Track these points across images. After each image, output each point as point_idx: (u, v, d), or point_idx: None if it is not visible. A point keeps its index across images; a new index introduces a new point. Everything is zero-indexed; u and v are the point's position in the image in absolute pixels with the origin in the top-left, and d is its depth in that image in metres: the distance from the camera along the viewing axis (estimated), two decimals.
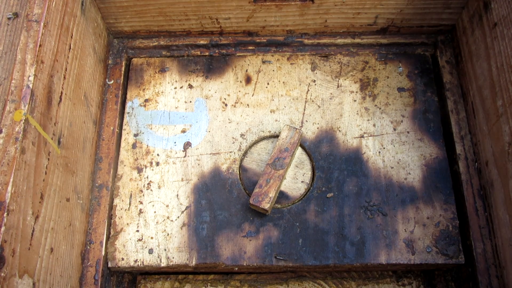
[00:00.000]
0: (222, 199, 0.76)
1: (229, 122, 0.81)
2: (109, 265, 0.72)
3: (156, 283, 0.79)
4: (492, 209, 0.71)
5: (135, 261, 0.72)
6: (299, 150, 0.79)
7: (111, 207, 0.76)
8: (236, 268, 0.73)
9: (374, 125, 0.80)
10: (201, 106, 0.83)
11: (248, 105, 0.83)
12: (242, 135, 0.80)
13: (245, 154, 0.80)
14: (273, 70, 0.85)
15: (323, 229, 0.73)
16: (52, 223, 0.63)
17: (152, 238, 0.73)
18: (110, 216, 0.75)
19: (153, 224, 0.74)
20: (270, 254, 0.72)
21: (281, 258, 0.72)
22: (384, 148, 0.79)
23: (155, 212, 0.75)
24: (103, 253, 0.72)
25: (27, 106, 0.58)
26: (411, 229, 0.73)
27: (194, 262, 0.72)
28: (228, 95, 0.83)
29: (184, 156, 0.79)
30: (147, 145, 0.80)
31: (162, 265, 0.72)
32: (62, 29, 0.68)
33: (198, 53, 0.88)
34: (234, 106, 0.83)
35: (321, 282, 0.79)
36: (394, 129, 0.80)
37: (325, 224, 0.74)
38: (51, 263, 0.62)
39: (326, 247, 0.72)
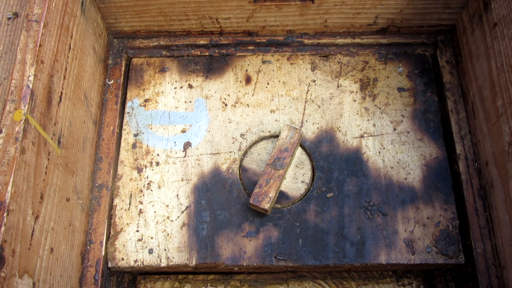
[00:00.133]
0: (222, 199, 0.76)
1: (229, 122, 0.81)
2: (109, 265, 0.72)
3: (156, 283, 0.79)
4: (492, 209, 0.71)
5: (135, 261, 0.72)
6: (299, 150, 0.79)
7: (111, 207, 0.76)
8: (236, 268, 0.73)
9: (374, 125, 0.80)
10: (201, 106, 0.83)
11: (248, 105, 0.83)
12: (242, 135, 0.80)
13: (245, 154, 0.80)
14: (273, 70, 0.85)
15: (323, 229, 0.73)
16: (52, 223, 0.63)
17: (152, 238, 0.73)
18: (110, 216, 0.75)
19: (153, 224, 0.74)
20: (270, 254, 0.72)
21: (281, 258, 0.72)
22: (384, 148, 0.79)
23: (155, 212, 0.75)
24: (103, 253, 0.72)
25: (27, 106, 0.58)
26: (411, 229, 0.73)
27: (194, 262, 0.72)
28: (228, 95, 0.83)
29: (184, 156, 0.79)
30: (147, 145, 0.80)
31: (162, 265, 0.72)
32: (62, 29, 0.68)
33: (198, 53, 0.87)
34: (234, 106, 0.83)
35: (321, 282, 0.79)
36: (394, 129, 0.80)
37: (325, 224, 0.74)
38: (51, 263, 0.62)
39: (326, 247, 0.72)
